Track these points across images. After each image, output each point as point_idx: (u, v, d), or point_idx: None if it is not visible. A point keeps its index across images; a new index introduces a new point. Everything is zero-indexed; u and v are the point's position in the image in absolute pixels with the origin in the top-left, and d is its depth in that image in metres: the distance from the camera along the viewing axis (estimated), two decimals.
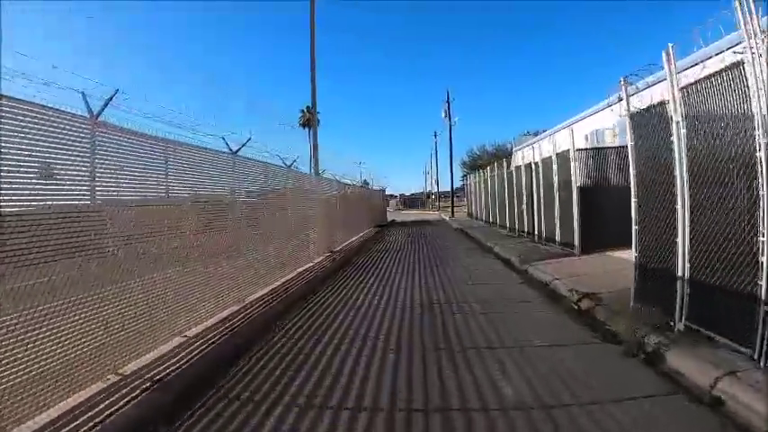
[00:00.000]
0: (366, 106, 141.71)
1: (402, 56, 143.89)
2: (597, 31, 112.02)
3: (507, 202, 15.61)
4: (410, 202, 71.85)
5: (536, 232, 12.19)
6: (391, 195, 75.43)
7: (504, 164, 15.99)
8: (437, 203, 55.47)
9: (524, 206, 13.28)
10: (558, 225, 10.31)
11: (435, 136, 52.02)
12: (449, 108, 32.15)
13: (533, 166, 12.19)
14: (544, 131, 23.99)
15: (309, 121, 61.03)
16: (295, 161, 9.29)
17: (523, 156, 20.86)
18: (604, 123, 14.02)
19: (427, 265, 9.90)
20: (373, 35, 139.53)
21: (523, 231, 13.65)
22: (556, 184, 10.29)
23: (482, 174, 22.26)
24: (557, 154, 10.33)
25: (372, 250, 13.54)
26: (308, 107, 61.68)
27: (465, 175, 60.27)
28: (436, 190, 59.76)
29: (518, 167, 14.23)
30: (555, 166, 10.30)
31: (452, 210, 33.82)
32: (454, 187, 37.70)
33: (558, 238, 10.34)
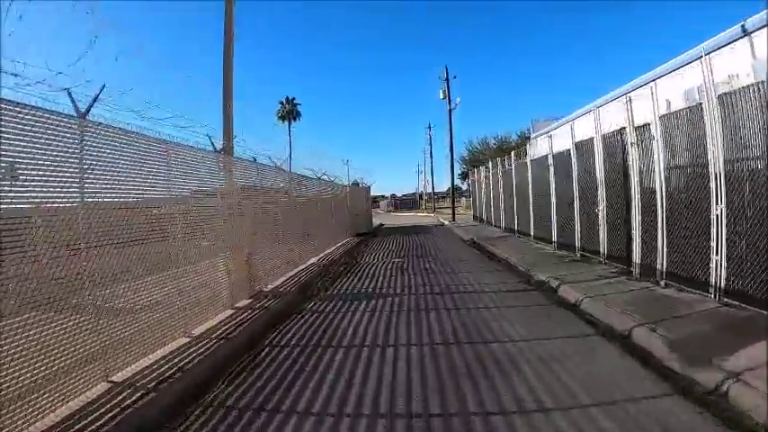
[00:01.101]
0: (355, 105, 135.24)
1: (389, 53, 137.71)
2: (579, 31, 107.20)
3: (555, 202, 9.98)
4: (402, 203, 66.29)
5: (634, 258, 6.59)
6: (381, 196, 69.83)
7: (549, 142, 10.31)
8: (432, 204, 49.91)
9: (600, 210, 7.68)
10: (718, 251, 4.71)
11: (430, 128, 46.65)
12: (448, 88, 26.38)
13: (628, 137, 6.60)
14: (556, 120, 18.38)
15: (289, 112, 55.28)
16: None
17: (533, 146, 15.36)
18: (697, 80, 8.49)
19: (444, 381, 4.12)
20: (357, 33, 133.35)
21: (595, 252, 8.04)
22: (718, 166, 4.71)
23: (498, 165, 16.65)
24: (719, 96, 4.75)
25: (331, 296, 7.30)
26: (287, 98, 55.89)
27: (463, 173, 54.73)
28: (431, 189, 54.20)
29: (581, 143, 8.59)
30: (712, 123, 4.73)
31: (453, 212, 27.92)
32: (448, 186, 31.88)
33: (717, 280, 4.74)
